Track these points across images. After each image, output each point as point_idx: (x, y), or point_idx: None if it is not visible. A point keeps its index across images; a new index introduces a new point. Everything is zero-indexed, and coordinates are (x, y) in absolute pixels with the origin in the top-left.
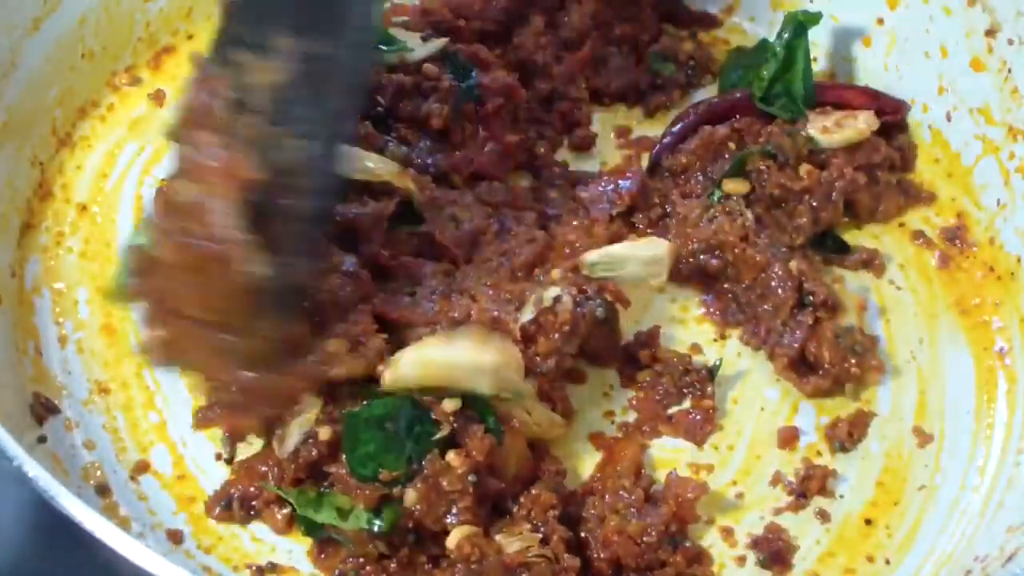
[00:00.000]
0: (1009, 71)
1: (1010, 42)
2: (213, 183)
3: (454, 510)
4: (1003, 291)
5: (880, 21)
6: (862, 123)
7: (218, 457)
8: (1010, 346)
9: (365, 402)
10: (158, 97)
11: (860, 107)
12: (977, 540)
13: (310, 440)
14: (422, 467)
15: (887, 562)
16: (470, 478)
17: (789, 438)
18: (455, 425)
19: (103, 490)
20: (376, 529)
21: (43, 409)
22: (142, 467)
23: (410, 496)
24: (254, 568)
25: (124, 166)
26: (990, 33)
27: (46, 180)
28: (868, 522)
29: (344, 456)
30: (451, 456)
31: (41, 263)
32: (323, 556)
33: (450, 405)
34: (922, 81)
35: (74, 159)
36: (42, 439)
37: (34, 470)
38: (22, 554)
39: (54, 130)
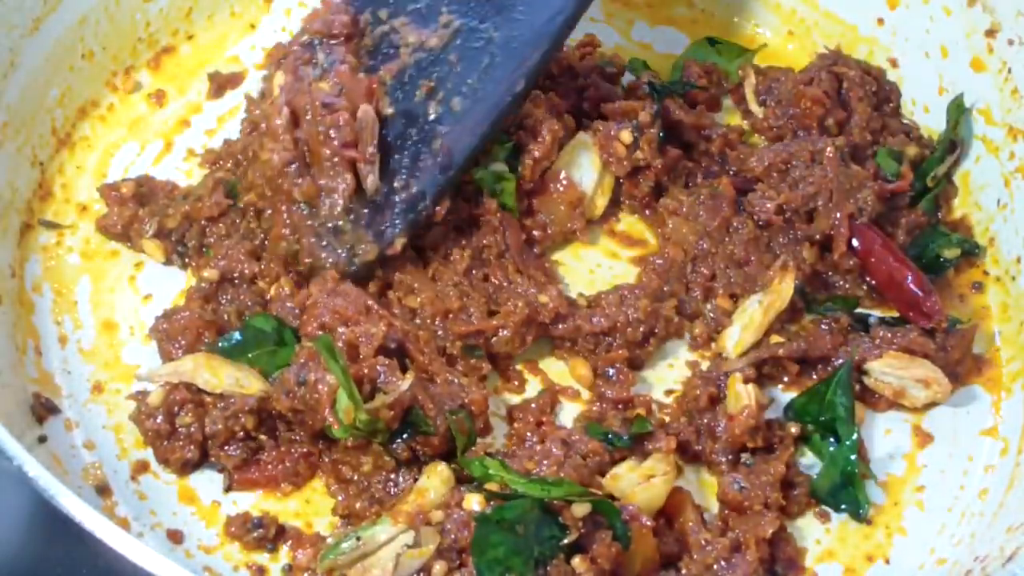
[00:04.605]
0: (1009, 71)
1: (1010, 42)
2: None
3: None
4: (1003, 291)
5: (880, 21)
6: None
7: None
8: (1010, 346)
9: (495, 505)
10: (158, 97)
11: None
12: (977, 540)
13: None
14: (547, 572)
15: (887, 562)
16: None
17: None
18: (583, 530)
19: (103, 490)
20: None
21: (43, 409)
22: (142, 467)
23: None
24: (254, 568)
25: (124, 166)
26: (990, 33)
27: (46, 180)
28: (868, 522)
29: (472, 560)
30: (576, 562)
31: (41, 263)
32: None
33: (580, 510)
34: (922, 81)
35: (74, 159)
36: (42, 439)
37: (34, 470)
38: (22, 554)
39: (54, 130)
